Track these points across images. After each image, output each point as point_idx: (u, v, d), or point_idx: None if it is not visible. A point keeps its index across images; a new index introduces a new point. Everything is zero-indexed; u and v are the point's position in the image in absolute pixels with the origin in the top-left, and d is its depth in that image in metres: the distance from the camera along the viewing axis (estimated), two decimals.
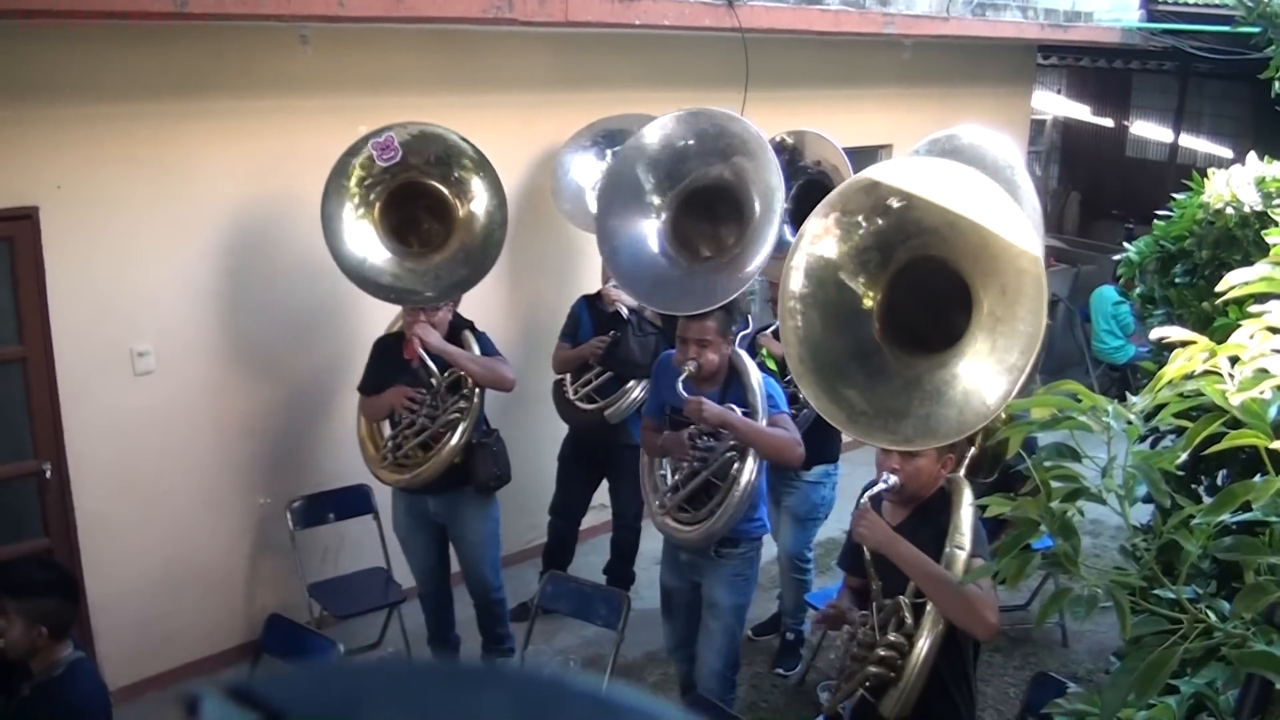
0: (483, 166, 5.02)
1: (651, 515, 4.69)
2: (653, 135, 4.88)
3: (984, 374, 3.26)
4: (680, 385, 4.31)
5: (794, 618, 5.72)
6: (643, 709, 0.72)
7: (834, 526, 5.97)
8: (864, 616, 3.53)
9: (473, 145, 5.03)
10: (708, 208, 4.90)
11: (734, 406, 4.32)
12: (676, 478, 4.54)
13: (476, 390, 5.00)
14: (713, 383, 4.45)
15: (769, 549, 5.16)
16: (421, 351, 4.84)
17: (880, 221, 3.47)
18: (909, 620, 3.40)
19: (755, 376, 4.46)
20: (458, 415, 4.96)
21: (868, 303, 3.56)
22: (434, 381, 4.92)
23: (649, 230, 4.87)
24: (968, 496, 3.47)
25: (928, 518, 3.55)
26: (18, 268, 4.81)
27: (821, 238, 3.55)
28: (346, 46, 5.43)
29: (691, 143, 4.83)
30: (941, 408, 3.35)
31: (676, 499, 4.51)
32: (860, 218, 3.50)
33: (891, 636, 3.38)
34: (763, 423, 4.32)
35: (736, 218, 4.79)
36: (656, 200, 4.88)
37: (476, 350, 5.03)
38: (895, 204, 3.43)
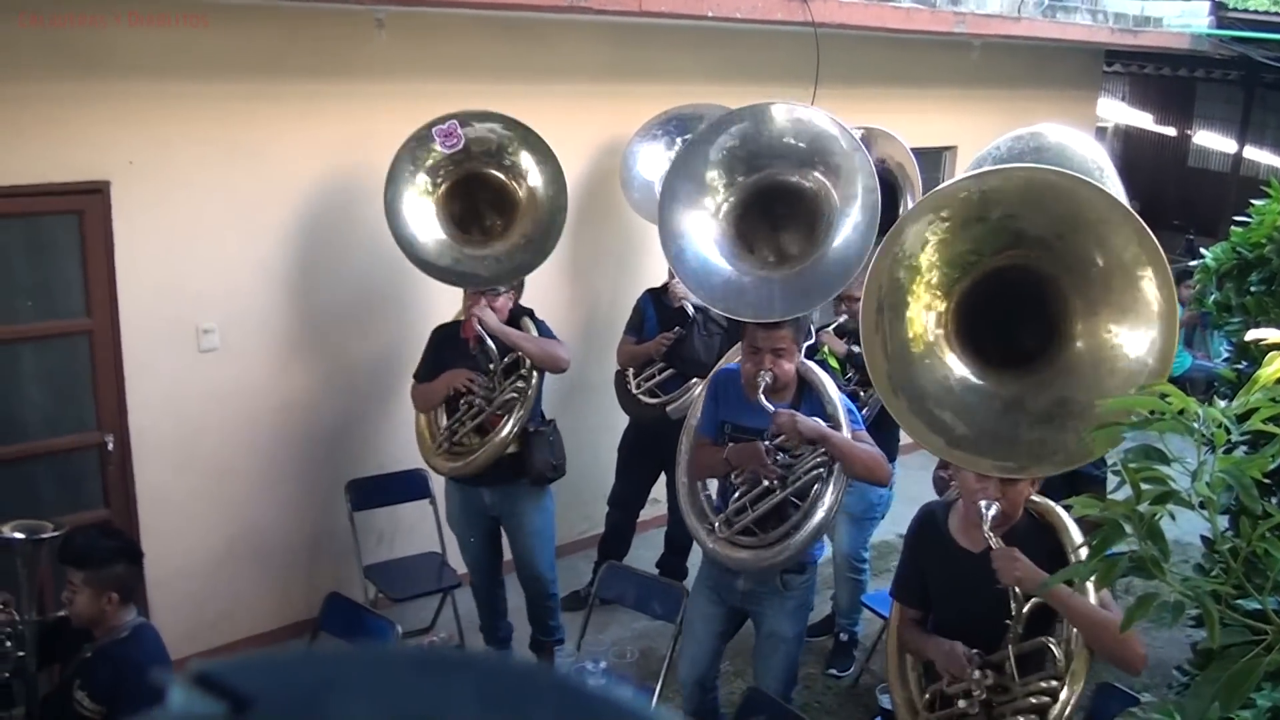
0: (543, 154, 5.04)
1: (701, 541, 4.29)
2: (731, 125, 4.57)
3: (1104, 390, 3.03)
4: (762, 397, 3.98)
5: (848, 619, 5.67)
6: (614, 701, 0.70)
7: (889, 528, 5.92)
8: (976, 655, 3.32)
9: (533, 132, 5.04)
10: (770, 210, 4.58)
11: (820, 420, 4.03)
12: (744, 499, 4.14)
13: (534, 374, 4.99)
14: (783, 396, 4.16)
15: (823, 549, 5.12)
16: (480, 329, 4.84)
17: (978, 229, 3.23)
18: (1060, 663, 3.22)
19: (831, 387, 4.20)
20: (514, 396, 4.96)
21: (957, 316, 3.33)
22: (491, 365, 4.92)
23: (713, 229, 4.53)
24: (1066, 519, 3.33)
25: (1020, 542, 3.32)
26: (87, 241, 4.86)
27: (914, 243, 3.30)
28: (420, 32, 5.44)
29: (773, 140, 4.49)
30: (1056, 432, 3.15)
31: (744, 521, 4.12)
32: (958, 224, 3.25)
33: (1042, 684, 3.22)
34: (847, 436, 4.03)
35: (804, 225, 4.50)
36: (723, 196, 4.57)
37: (534, 334, 5.04)
38: (997, 211, 3.19)
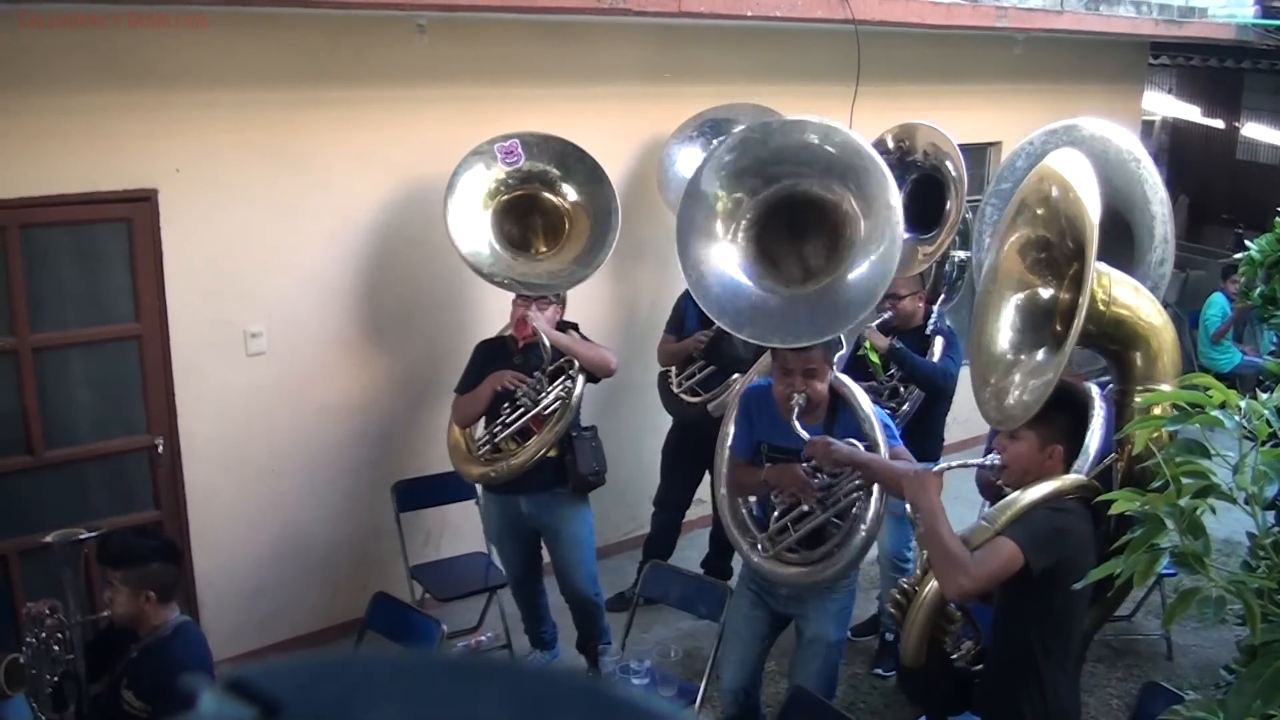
0: (595, 175, 5.17)
1: (745, 555, 4.30)
2: (732, 145, 4.46)
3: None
4: (795, 423, 3.98)
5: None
6: (638, 704, 0.71)
7: None
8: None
9: (589, 156, 5.19)
10: (790, 223, 4.44)
11: (855, 442, 4.00)
12: (785, 519, 4.15)
13: (578, 380, 5.00)
14: (816, 414, 4.14)
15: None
16: (535, 327, 4.88)
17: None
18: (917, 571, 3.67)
19: (866, 404, 4.16)
20: (560, 399, 4.97)
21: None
22: (543, 361, 4.94)
23: (733, 252, 4.39)
24: (1043, 488, 3.41)
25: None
26: (136, 248, 4.93)
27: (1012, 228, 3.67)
28: (462, 37, 5.48)
29: (778, 152, 4.36)
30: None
31: (788, 541, 4.13)
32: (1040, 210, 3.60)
33: (904, 583, 3.65)
34: (884, 456, 3.99)
35: (828, 235, 4.38)
36: (740, 214, 4.41)
37: None
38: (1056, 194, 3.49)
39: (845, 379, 4.27)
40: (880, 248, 4.16)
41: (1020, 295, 3.67)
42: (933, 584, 3.47)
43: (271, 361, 5.30)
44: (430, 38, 5.28)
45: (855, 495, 4.07)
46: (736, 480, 4.36)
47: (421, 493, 5.69)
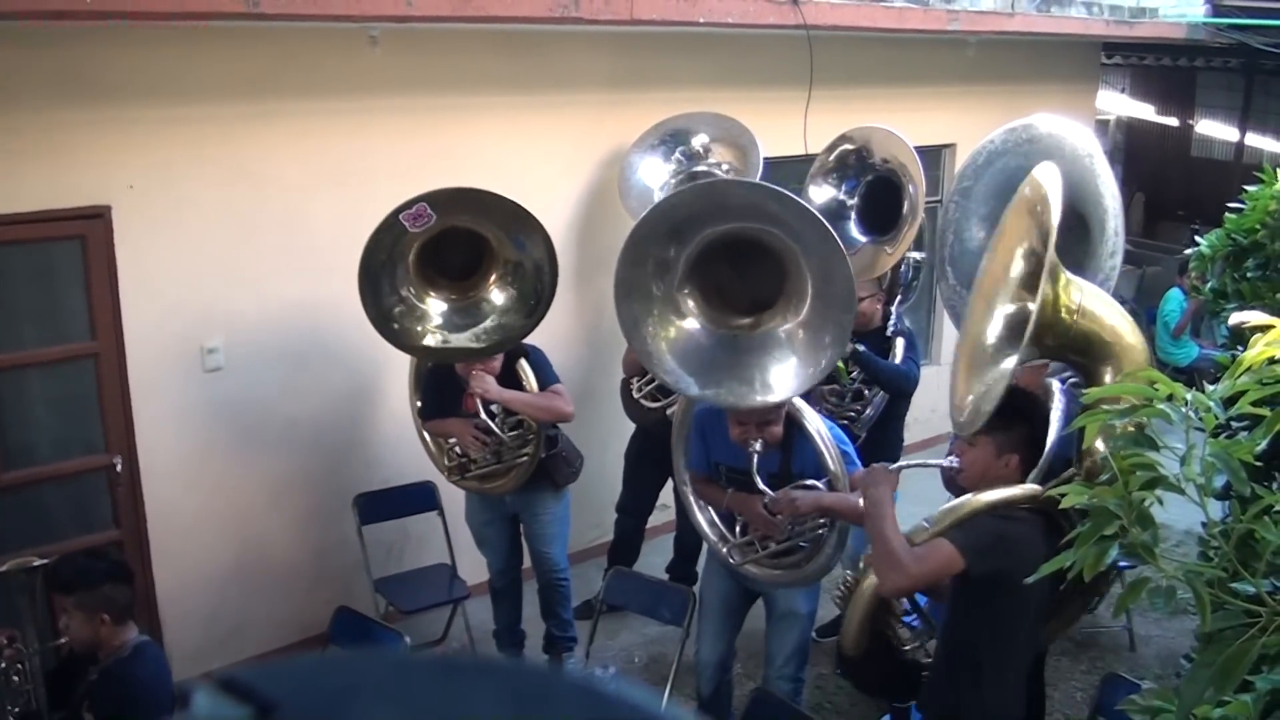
0: (521, 219, 4.68)
1: (715, 549, 4.41)
2: (656, 210, 4.09)
3: None
4: (756, 477, 4.01)
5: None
6: (633, 702, 0.72)
7: None
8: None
9: (510, 200, 4.63)
10: (730, 258, 4.04)
11: (816, 484, 4.05)
12: (751, 538, 4.26)
13: (540, 431, 5.03)
14: (772, 444, 4.13)
15: None
16: (479, 405, 4.90)
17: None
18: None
19: (822, 430, 4.08)
20: (525, 456, 5.01)
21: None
22: (495, 429, 4.96)
23: (677, 306, 4.13)
24: (989, 495, 3.42)
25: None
26: (90, 265, 4.89)
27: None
28: (415, 47, 5.47)
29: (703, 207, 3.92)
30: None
31: (757, 558, 4.25)
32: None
33: (849, 573, 3.71)
34: (845, 487, 3.97)
35: (771, 271, 4.01)
36: (673, 268, 4.06)
37: (533, 380, 4.98)
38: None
39: (800, 403, 4.13)
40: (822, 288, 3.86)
41: (1010, 306, 3.68)
42: (873, 577, 3.52)
43: (230, 377, 5.27)
44: (383, 49, 5.28)
45: (820, 529, 4.14)
46: (700, 493, 4.44)
47: (383, 505, 5.68)
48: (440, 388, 5.12)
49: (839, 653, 3.82)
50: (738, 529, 4.31)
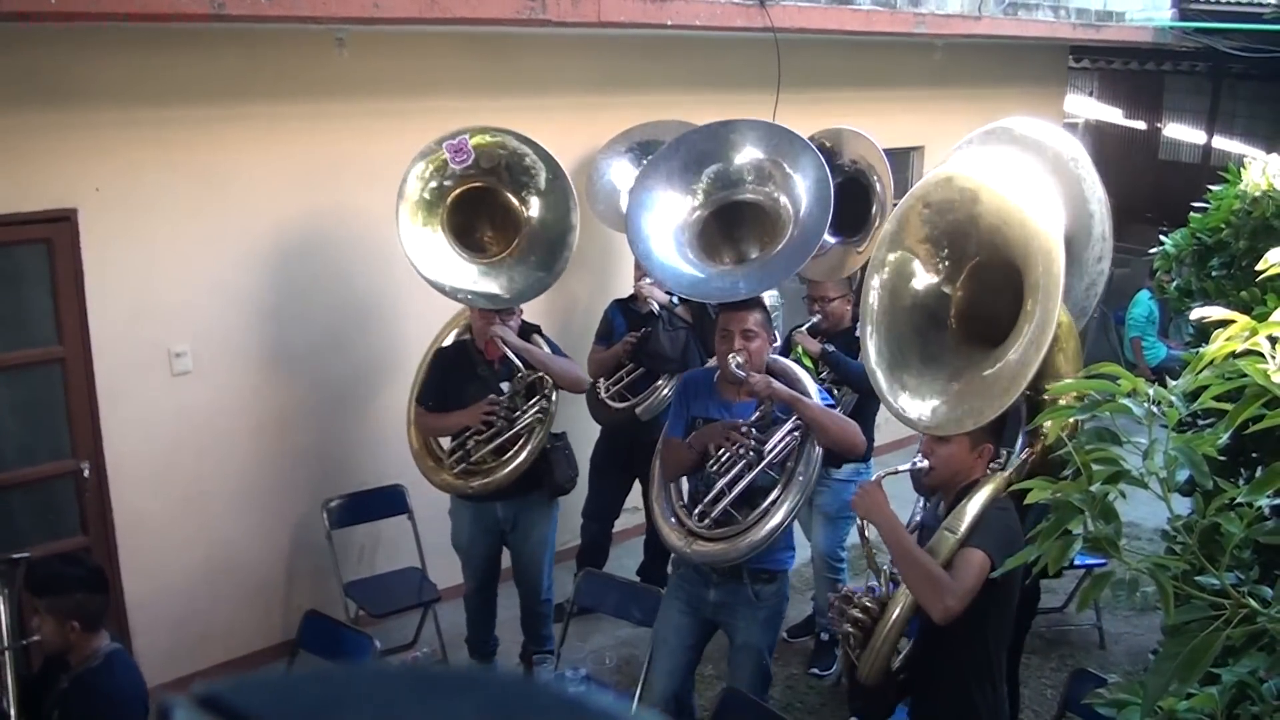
0: (553, 170, 5.00)
1: (671, 544, 4.32)
2: (706, 137, 4.78)
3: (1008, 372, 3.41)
4: (734, 369, 4.12)
5: (828, 618, 5.68)
6: (614, 713, 0.72)
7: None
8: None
9: (544, 149, 4.99)
10: (730, 223, 4.79)
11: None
12: (719, 483, 4.19)
13: (555, 393, 5.02)
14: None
15: (802, 550, 5.11)
16: (504, 348, 4.87)
17: (951, 216, 3.71)
18: (882, 588, 3.57)
19: (801, 371, 4.37)
20: (538, 418, 4.98)
21: (942, 292, 3.85)
22: (515, 379, 4.92)
23: (679, 235, 4.71)
24: (988, 491, 3.45)
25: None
26: (57, 269, 4.86)
27: (903, 229, 3.82)
28: (382, 49, 5.47)
29: (745, 158, 4.73)
30: (977, 401, 3.48)
31: (720, 508, 4.15)
32: (936, 211, 3.75)
33: (866, 601, 3.52)
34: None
35: (764, 232, 4.72)
36: (688, 206, 4.74)
37: (548, 353, 5.06)
38: (965, 199, 3.63)
39: (786, 360, 4.49)
40: (815, 207, 4.55)
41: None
42: (903, 605, 3.43)
43: (197, 381, 5.24)
44: (350, 51, 5.27)
45: (788, 447, 4.18)
46: (666, 460, 4.44)
47: (353, 509, 5.66)
48: (445, 377, 5.08)
49: (852, 690, 3.69)
50: (710, 476, 4.24)
